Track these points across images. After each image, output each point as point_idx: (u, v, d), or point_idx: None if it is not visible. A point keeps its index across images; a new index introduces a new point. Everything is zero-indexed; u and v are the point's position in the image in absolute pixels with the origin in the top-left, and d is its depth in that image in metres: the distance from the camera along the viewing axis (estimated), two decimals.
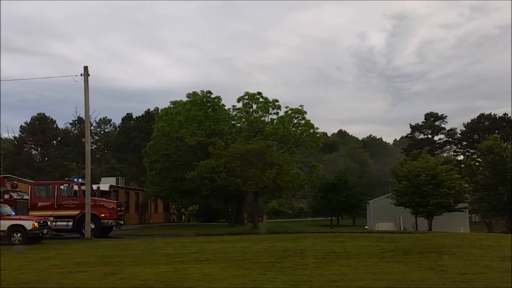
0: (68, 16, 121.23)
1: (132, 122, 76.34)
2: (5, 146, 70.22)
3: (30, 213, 24.72)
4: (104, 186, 40.56)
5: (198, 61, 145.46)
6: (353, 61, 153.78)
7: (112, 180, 47.22)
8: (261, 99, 44.52)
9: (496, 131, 65.42)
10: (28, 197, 26.22)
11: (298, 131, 44.34)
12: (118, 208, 27.53)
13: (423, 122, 78.39)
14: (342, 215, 63.17)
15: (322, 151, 70.48)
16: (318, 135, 45.61)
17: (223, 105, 45.03)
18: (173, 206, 58.26)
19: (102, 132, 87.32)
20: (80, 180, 27.90)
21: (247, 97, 44.67)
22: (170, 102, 46.22)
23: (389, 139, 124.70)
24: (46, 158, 71.73)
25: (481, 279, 9.65)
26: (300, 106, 45.26)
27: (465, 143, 74.81)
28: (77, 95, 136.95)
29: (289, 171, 39.15)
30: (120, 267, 12.02)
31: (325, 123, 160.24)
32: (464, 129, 75.00)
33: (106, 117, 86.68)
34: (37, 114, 72.54)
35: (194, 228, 39.30)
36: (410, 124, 79.20)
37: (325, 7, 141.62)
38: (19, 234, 20.15)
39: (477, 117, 74.19)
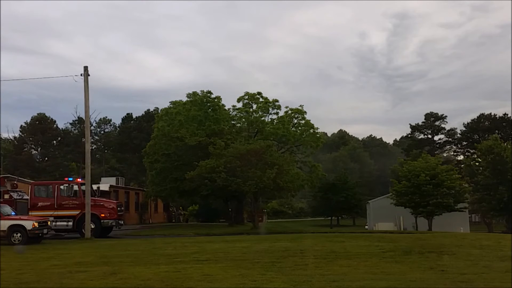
0: (67, 15, 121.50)
1: (132, 122, 76.37)
2: (5, 146, 70.26)
3: (30, 213, 24.71)
4: (104, 186, 40.52)
5: (198, 60, 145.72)
6: (354, 60, 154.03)
7: (112, 180, 47.19)
8: (261, 99, 44.52)
9: (496, 131, 65.45)
10: (28, 197, 26.20)
11: (298, 131, 44.31)
12: (118, 208, 27.53)
13: (423, 122, 78.48)
14: (342, 215, 63.12)
15: (322, 151, 70.47)
16: (318, 135, 45.56)
17: (223, 105, 45.05)
18: (181, 207, 58.41)
19: (102, 132, 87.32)
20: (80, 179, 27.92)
21: (247, 97, 44.68)
22: (170, 102, 46.23)
23: (389, 139, 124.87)
24: (46, 158, 71.85)
25: (481, 279, 9.65)
26: (300, 106, 45.33)
27: (465, 143, 74.86)
28: (77, 95, 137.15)
29: (289, 171, 39.10)
30: (120, 267, 12.02)
31: (325, 123, 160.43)
32: (464, 129, 75.10)
33: (106, 117, 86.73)
34: (37, 114, 72.84)
35: (194, 228, 39.29)
36: (410, 124, 79.42)
37: (326, 6, 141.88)
38: (19, 234, 20.14)
39: (477, 117, 74.31)
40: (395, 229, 39.29)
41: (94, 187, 29.64)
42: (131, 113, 77.47)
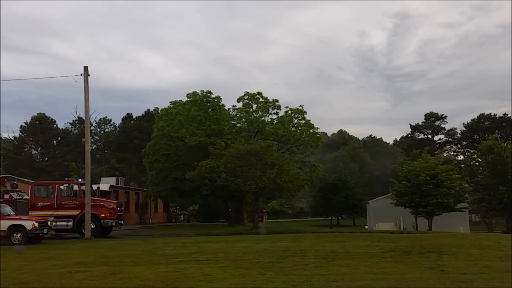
0: (67, 15, 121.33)
1: (132, 122, 76.41)
2: (5, 146, 70.28)
3: (30, 213, 24.73)
4: (104, 186, 40.55)
5: (198, 60, 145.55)
6: (354, 60, 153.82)
7: (112, 180, 47.23)
8: (261, 99, 44.54)
9: (496, 131, 65.52)
10: (28, 197, 26.22)
11: (298, 131, 44.33)
12: (118, 208, 27.54)
13: (423, 122, 78.57)
14: (342, 215, 63.12)
15: (322, 151, 70.47)
16: (318, 135, 45.59)
17: (223, 105, 45.11)
18: (177, 207, 58.53)
19: (102, 132, 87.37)
20: (80, 180, 27.95)
21: (247, 97, 44.70)
22: (170, 102, 46.34)
23: (389, 139, 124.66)
24: (46, 158, 71.87)
25: (481, 279, 9.65)
26: (300, 106, 45.37)
27: (465, 143, 74.99)
28: (77, 95, 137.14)
29: (289, 171, 39.12)
30: (120, 267, 12.02)
31: (325, 123, 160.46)
32: (464, 129, 75.18)
33: (106, 117, 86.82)
34: (37, 114, 72.85)
35: (194, 228, 39.30)
36: (410, 124, 79.55)
37: (326, 6, 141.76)
38: (19, 234, 20.15)
39: (477, 117, 74.43)
40: (395, 229, 39.26)
41: (94, 187, 29.66)
42: (131, 113, 77.67)
